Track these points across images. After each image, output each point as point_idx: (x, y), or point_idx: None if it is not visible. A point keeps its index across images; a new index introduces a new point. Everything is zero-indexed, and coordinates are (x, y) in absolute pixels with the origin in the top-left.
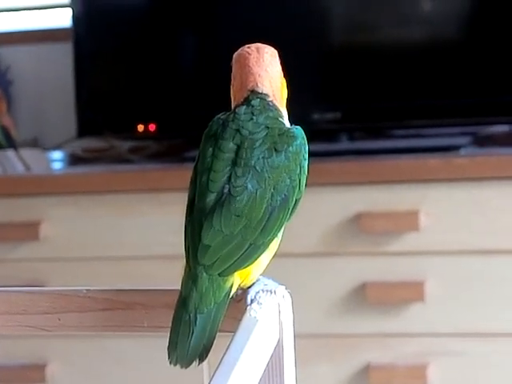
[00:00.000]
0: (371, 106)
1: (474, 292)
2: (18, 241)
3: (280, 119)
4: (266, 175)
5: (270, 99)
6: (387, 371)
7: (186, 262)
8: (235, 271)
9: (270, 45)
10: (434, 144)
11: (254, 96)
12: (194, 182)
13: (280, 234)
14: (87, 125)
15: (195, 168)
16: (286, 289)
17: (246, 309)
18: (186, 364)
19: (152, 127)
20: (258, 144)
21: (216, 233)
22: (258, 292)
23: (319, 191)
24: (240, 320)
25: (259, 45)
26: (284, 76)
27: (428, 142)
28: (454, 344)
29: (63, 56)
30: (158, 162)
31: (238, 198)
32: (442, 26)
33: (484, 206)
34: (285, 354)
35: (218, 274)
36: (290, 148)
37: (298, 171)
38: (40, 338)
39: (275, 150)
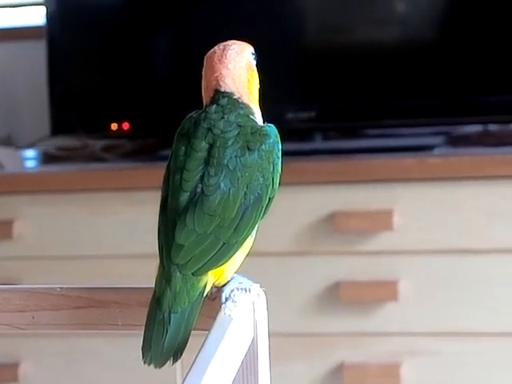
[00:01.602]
0: (345, 106)
1: (448, 292)
2: None
3: (251, 117)
4: (239, 174)
5: (236, 97)
6: (361, 370)
7: (160, 261)
8: (209, 270)
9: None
10: (407, 144)
11: (219, 95)
12: (166, 180)
13: (254, 233)
14: (61, 123)
15: (168, 166)
16: (260, 287)
17: (220, 307)
18: (159, 364)
19: (126, 126)
20: (230, 143)
21: (189, 232)
22: (233, 290)
23: (293, 190)
24: (215, 318)
25: (230, 42)
26: (258, 75)
27: (402, 142)
28: (427, 343)
29: (37, 54)
30: (132, 160)
31: (210, 198)
32: (415, 26)
33: (458, 206)
34: (259, 353)
35: (192, 274)
36: (263, 146)
37: (272, 169)
38: (12, 336)
39: (248, 148)
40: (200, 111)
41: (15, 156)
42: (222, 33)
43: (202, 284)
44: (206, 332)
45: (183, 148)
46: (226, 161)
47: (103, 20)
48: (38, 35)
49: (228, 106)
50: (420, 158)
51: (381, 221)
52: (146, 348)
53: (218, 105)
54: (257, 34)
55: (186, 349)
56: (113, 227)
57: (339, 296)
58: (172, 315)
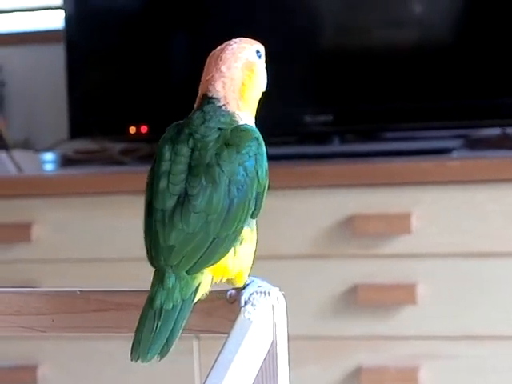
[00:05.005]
0: (363, 109)
1: (466, 295)
2: (10, 242)
3: (234, 125)
4: (219, 169)
5: (220, 104)
6: (378, 374)
7: (150, 263)
8: (203, 267)
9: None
10: (426, 147)
11: (206, 101)
12: (150, 185)
13: (253, 226)
14: (79, 126)
15: (151, 171)
16: (279, 290)
17: (240, 310)
18: (146, 358)
19: (144, 129)
20: (210, 145)
21: (178, 232)
22: (252, 293)
23: (311, 194)
24: (234, 321)
25: (234, 40)
26: (276, 79)
27: (420, 145)
28: (445, 347)
29: (55, 58)
30: (150, 163)
31: (194, 196)
32: (433, 28)
33: (476, 209)
34: (278, 356)
35: (186, 273)
36: (242, 141)
37: (254, 163)
38: (31, 339)
39: (226, 145)
40: (186, 118)
41: (34, 159)
42: (238, 35)
43: (195, 282)
44: (226, 335)
45: (168, 154)
46: (206, 160)
47: (121, 23)
48: (57, 39)
49: (210, 113)
50: (438, 161)
51: (399, 224)
52: (136, 346)
53: (201, 111)
54: (274, 37)
55: (173, 346)
56: (131, 230)
57: (357, 299)
58: (163, 310)
